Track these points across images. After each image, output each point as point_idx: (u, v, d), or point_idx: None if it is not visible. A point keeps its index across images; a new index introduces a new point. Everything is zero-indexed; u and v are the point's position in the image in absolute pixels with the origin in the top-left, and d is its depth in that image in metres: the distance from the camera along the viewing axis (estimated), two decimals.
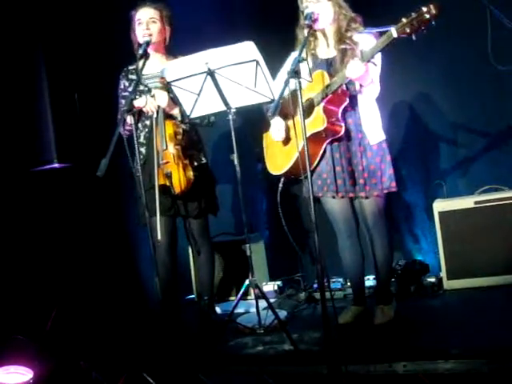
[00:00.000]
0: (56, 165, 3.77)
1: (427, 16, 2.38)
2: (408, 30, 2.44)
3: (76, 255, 3.80)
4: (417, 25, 2.42)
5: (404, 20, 2.45)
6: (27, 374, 2.83)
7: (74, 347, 3.12)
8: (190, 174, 3.01)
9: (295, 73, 2.43)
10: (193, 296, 4.01)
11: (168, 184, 2.99)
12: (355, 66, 2.61)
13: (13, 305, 3.44)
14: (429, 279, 3.45)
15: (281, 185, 2.95)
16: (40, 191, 3.74)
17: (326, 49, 2.87)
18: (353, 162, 2.81)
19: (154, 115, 3.00)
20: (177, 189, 2.99)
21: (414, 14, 2.41)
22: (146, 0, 3.12)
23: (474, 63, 3.53)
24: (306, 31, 2.71)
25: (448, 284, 3.39)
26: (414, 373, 2.34)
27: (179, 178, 2.98)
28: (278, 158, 2.99)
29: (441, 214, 3.43)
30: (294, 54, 2.81)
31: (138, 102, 2.97)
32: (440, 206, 3.46)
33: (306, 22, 2.68)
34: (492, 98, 3.61)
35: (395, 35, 2.49)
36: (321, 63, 2.84)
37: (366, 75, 2.67)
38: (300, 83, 2.45)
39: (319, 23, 2.77)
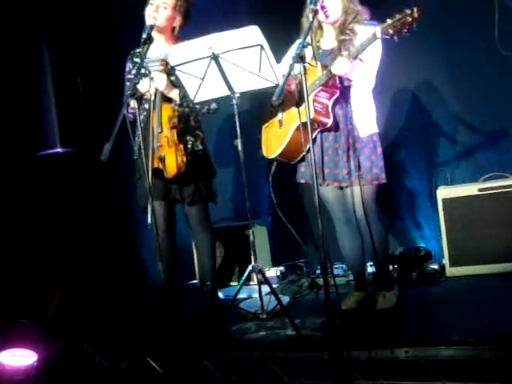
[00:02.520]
0: (59, 149, 3.77)
1: (409, 19, 2.38)
2: (391, 32, 2.45)
3: (79, 239, 3.81)
4: (399, 27, 2.42)
5: (388, 21, 2.45)
6: (31, 356, 2.86)
7: (78, 331, 3.14)
8: (184, 158, 2.99)
9: (300, 58, 2.42)
10: (195, 281, 4.03)
11: (161, 167, 2.98)
12: (341, 62, 2.64)
13: (17, 289, 3.46)
14: (431, 266, 3.46)
15: (273, 168, 2.96)
16: (43, 176, 3.74)
17: (329, 40, 2.88)
18: (339, 153, 2.83)
19: (152, 98, 2.99)
20: (169, 173, 2.98)
21: (397, 16, 2.41)
22: None
23: (478, 50, 3.51)
24: (311, 16, 2.69)
25: (450, 271, 3.40)
26: (415, 359, 2.36)
27: (172, 162, 2.97)
28: (272, 143, 3.00)
29: (444, 201, 3.42)
30: (298, 41, 2.79)
31: (141, 87, 2.95)
32: (443, 193, 3.45)
33: (311, 7, 2.66)
34: (496, 85, 3.58)
35: (379, 35, 2.50)
36: (322, 54, 2.84)
37: (352, 71, 2.69)
38: (305, 68, 2.44)
39: (328, 17, 2.78)
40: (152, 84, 2.95)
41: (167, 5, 3.05)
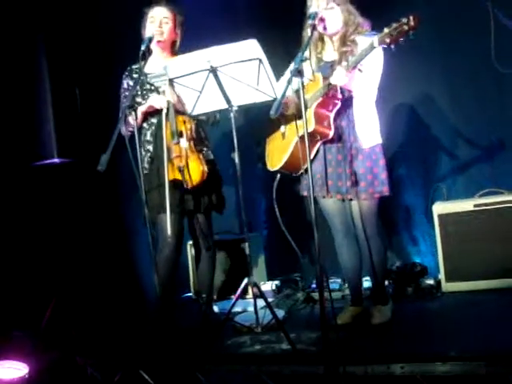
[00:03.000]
0: (56, 160, 3.76)
1: (406, 28, 2.39)
2: (388, 41, 2.46)
3: (75, 251, 3.79)
4: (396, 35, 2.43)
5: (385, 30, 2.46)
6: (23, 369, 2.83)
7: (71, 343, 3.11)
8: (204, 167, 3.01)
9: (298, 72, 2.44)
10: (190, 294, 4.01)
11: (180, 178, 2.98)
12: (339, 73, 2.66)
13: (10, 300, 3.43)
14: (427, 281, 3.46)
15: (276, 181, 2.96)
16: (40, 186, 3.73)
17: (331, 52, 2.90)
18: (342, 165, 2.83)
19: (164, 110, 3.00)
20: (190, 182, 2.98)
21: (394, 25, 2.43)
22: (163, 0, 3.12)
23: (475, 66, 3.53)
24: (309, 31, 2.71)
25: (446, 286, 3.39)
26: (411, 374, 2.34)
27: (193, 172, 2.98)
28: (275, 155, 3.01)
29: (440, 216, 3.43)
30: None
31: (155, 103, 2.98)
32: (439, 208, 3.46)
33: (310, 22, 2.70)
34: (493, 101, 3.61)
35: (376, 45, 2.52)
36: (323, 66, 2.86)
37: (351, 82, 2.70)
38: (303, 83, 2.45)
39: (329, 29, 2.80)
40: (163, 97, 2.98)
41: (168, 19, 3.10)
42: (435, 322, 2.98)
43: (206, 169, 3.01)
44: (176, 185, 3.01)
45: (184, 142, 2.99)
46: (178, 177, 2.98)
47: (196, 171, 2.98)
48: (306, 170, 2.82)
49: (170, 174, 2.97)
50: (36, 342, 3.09)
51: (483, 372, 2.24)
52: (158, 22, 3.07)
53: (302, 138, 2.54)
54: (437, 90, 3.78)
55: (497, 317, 2.83)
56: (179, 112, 3.04)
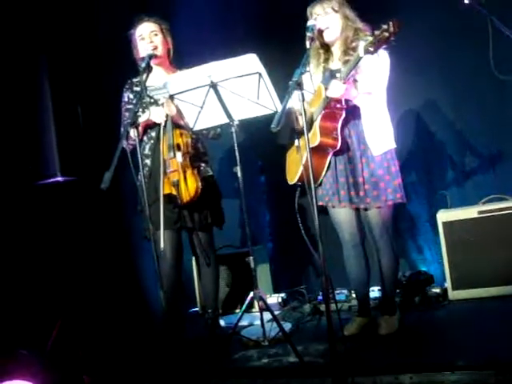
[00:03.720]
0: (59, 178, 3.77)
1: (387, 34, 2.38)
2: (371, 49, 2.46)
3: (80, 268, 3.79)
4: (378, 43, 2.43)
5: (369, 38, 2.47)
6: None
7: (78, 361, 3.10)
8: (198, 184, 3.00)
9: (298, 85, 2.45)
10: (197, 309, 4.00)
11: (174, 193, 2.98)
12: (335, 85, 2.67)
13: (16, 318, 3.43)
14: (434, 290, 3.44)
15: (297, 193, 2.94)
16: (43, 205, 3.74)
17: (335, 61, 2.91)
18: (353, 174, 2.83)
19: (163, 124, 3.01)
20: (183, 198, 2.97)
21: (376, 32, 2.43)
22: (143, 16, 3.16)
23: (477, 74, 3.53)
24: (307, 43, 2.73)
25: (453, 294, 3.37)
26: None
27: (186, 188, 2.97)
28: (292, 169, 3.02)
29: (444, 224, 3.42)
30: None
31: (153, 117, 2.98)
32: (444, 216, 3.45)
33: (308, 34, 2.71)
34: (495, 108, 3.61)
35: (362, 55, 2.52)
36: (327, 76, 2.86)
37: (349, 91, 2.71)
38: (303, 95, 2.46)
39: (328, 36, 2.82)
40: (162, 110, 2.99)
41: (156, 31, 3.13)
42: (443, 331, 2.95)
43: (200, 185, 3.00)
44: (171, 200, 3.00)
45: (179, 157, 2.99)
46: (173, 192, 2.98)
47: (190, 187, 2.97)
48: (321, 183, 2.86)
49: (165, 189, 2.96)
50: (43, 361, 3.07)
51: (492, 381, 2.23)
52: (148, 38, 3.10)
53: (312, 150, 2.53)
54: (438, 98, 3.78)
55: (505, 324, 2.81)
56: (178, 125, 3.06)
